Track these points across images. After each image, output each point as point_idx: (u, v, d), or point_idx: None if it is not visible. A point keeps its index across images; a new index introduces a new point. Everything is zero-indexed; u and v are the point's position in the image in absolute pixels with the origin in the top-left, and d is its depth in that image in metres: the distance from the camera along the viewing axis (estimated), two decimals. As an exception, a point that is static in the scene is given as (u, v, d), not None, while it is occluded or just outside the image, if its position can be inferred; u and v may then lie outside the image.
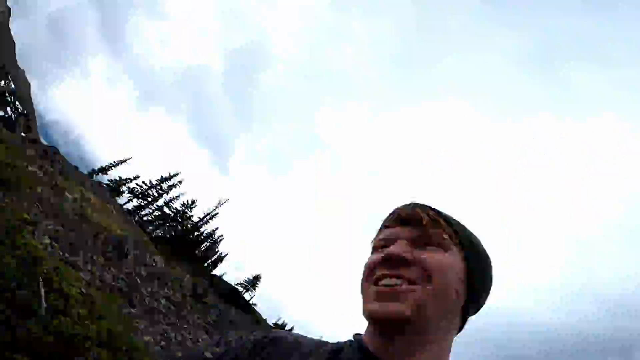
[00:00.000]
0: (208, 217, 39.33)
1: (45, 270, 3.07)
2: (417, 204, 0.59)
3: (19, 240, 3.33)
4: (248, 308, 24.91)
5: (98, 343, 2.55)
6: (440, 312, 0.52)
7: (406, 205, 0.59)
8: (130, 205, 33.18)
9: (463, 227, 0.59)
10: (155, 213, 35.30)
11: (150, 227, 32.86)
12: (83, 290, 3.36)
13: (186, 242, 32.77)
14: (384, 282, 0.52)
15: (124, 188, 34.09)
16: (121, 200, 31.94)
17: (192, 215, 36.43)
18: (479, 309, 0.60)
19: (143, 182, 35.52)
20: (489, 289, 0.60)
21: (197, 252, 38.74)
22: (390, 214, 0.59)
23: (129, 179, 34.73)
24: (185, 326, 5.23)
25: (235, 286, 30.17)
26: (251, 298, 32.42)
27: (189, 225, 35.71)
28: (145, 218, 34.26)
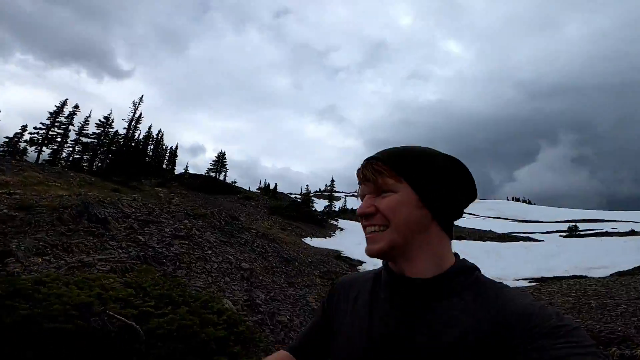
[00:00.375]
0: (134, 124, 36.29)
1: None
2: (368, 159, 0.69)
3: None
4: (229, 188, 26.29)
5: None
6: (409, 235, 0.65)
7: (362, 164, 0.70)
8: (45, 157, 29.52)
9: (408, 162, 0.66)
10: (78, 148, 32.00)
11: (86, 165, 30.42)
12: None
13: (132, 157, 31.14)
14: (366, 230, 0.68)
15: (22, 144, 29.39)
16: (31, 157, 28.15)
17: (118, 131, 33.35)
18: (460, 211, 0.70)
19: (36, 127, 30.45)
20: (457, 194, 0.67)
21: (147, 159, 37.59)
22: (358, 177, 0.71)
23: (19, 133, 29.54)
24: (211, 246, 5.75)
25: (208, 175, 30.78)
26: (225, 178, 33.57)
27: (129, 142, 33.17)
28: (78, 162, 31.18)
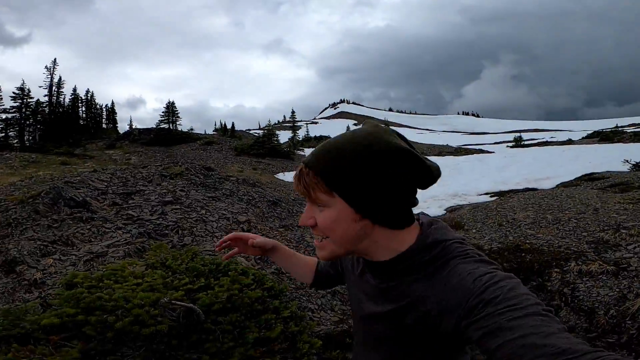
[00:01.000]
0: (55, 89, 32.01)
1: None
2: (300, 171, 0.64)
3: None
4: (186, 136, 24.72)
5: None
6: (351, 243, 0.64)
7: (297, 170, 0.66)
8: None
9: (340, 173, 0.59)
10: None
11: (17, 142, 27.05)
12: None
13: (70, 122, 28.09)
14: (314, 239, 0.69)
15: None
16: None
17: (39, 100, 29.29)
18: (412, 201, 0.64)
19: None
20: (403, 190, 0.61)
21: (82, 122, 34.25)
22: None
23: None
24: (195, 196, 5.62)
25: (160, 127, 28.63)
26: (177, 126, 31.48)
27: (55, 108, 29.41)
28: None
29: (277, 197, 7.76)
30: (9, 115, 28.70)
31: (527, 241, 4.77)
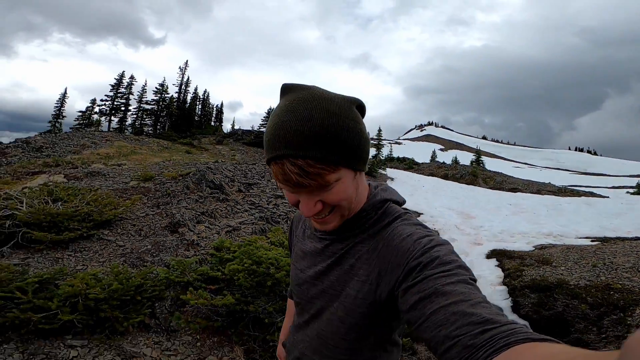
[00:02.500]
0: (184, 87, 37.98)
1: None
2: (289, 159, 0.57)
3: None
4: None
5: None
6: (353, 203, 0.67)
7: (284, 173, 0.58)
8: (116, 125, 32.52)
9: (340, 149, 0.58)
10: (140, 115, 34.67)
11: (151, 130, 33.14)
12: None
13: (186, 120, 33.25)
14: (314, 219, 0.68)
15: (95, 117, 32.45)
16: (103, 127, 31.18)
17: (172, 97, 35.41)
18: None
19: (102, 99, 33.21)
20: (367, 137, 0.65)
21: (197, 118, 39.73)
22: (279, 179, 0.61)
23: (90, 106, 32.56)
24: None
25: (261, 130, 31.97)
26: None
27: (182, 104, 35.38)
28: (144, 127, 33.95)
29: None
30: (149, 107, 35.13)
31: (620, 282, 4.53)
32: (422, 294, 0.52)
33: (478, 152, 34.94)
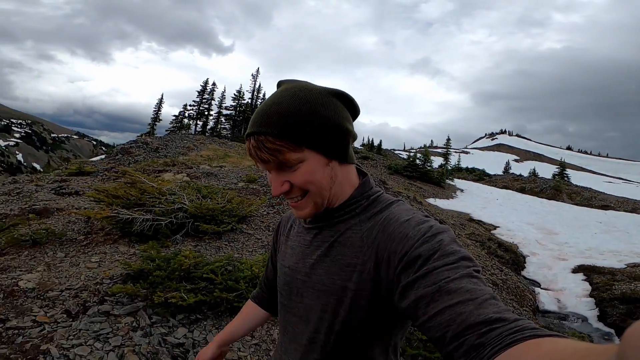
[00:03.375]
0: (256, 94, 40.96)
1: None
2: (252, 136, 0.62)
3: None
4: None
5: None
6: (327, 189, 0.66)
7: (248, 149, 0.63)
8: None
9: (303, 128, 0.60)
10: (221, 119, 38.38)
11: (229, 133, 36.56)
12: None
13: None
14: (290, 202, 0.69)
15: (185, 121, 36.73)
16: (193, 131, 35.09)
17: (248, 102, 38.61)
18: (353, 134, 0.68)
19: (190, 105, 37.49)
20: (348, 126, 0.66)
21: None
22: (249, 155, 0.65)
23: (182, 111, 37.01)
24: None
25: None
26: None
27: (253, 110, 38.59)
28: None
29: (441, 218, 8.70)
30: (228, 112, 38.76)
31: None
32: (425, 291, 0.51)
33: (562, 165, 31.90)
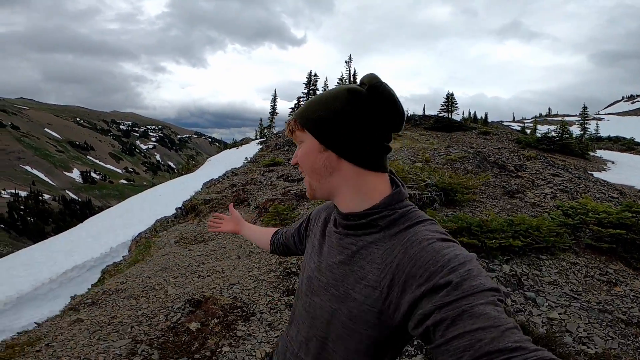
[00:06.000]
0: (352, 80, 41.85)
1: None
2: (289, 120, 0.75)
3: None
4: (460, 125, 27.51)
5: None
6: (320, 178, 0.71)
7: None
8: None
9: (308, 113, 0.70)
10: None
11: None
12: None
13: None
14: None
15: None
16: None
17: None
18: (379, 145, 0.68)
19: (299, 97, 40.60)
20: (363, 129, 0.65)
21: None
22: None
23: (297, 104, 40.45)
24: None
25: (440, 115, 32.78)
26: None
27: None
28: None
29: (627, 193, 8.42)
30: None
31: None
32: (446, 315, 0.50)
33: None
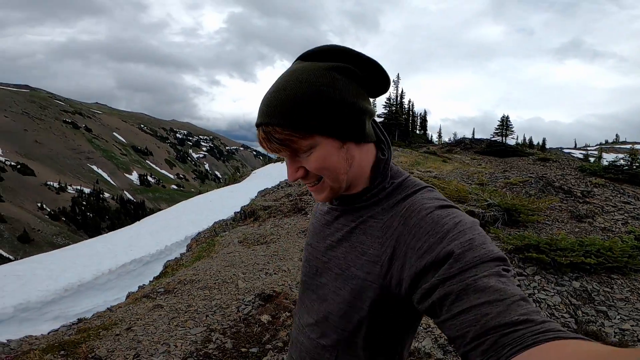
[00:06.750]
0: (399, 99, 41.71)
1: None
2: (261, 126, 0.60)
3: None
4: (515, 150, 26.15)
5: None
6: (345, 172, 0.63)
7: (259, 140, 0.62)
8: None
9: (311, 115, 0.57)
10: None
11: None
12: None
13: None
14: (308, 187, 0.67)
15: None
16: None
17: (397, 109, 39.88)
18: (371, 110, 0.63)
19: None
20: (362, 102, 0.61)
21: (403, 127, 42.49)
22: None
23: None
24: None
25: (494, 139, 31.64)
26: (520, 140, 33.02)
27: (400, 115, 39.71)
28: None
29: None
30: (380, 119, 40.99)
31: None
32: (451, 289, 0.48)
33: None
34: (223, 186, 24.25)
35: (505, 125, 31.48)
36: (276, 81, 0.61)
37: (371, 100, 0.68)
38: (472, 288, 0.47)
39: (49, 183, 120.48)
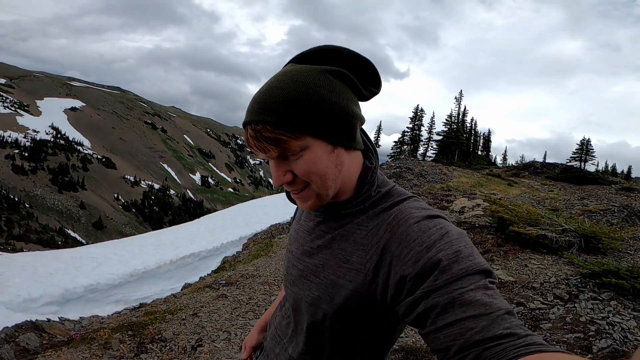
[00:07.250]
0: (461, 117, 39.74)
1: None
2: (249, 125, 0.57)
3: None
4: (594, 178, 23.54)
5: None
6: (333, 178, 0.60)
7: (247, 139, 0.59)
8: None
9: (304, 114, 0.56)
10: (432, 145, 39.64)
11: (444, 159, 37.39)
12: None
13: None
14: (292, 194, 0.63)
15: (405, 147, 40.11)
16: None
17: (458, 127, 38.19)
18: (360, 116, 0.62)
19: (405, 131, 40.64)
20: (353, 107, 0.60)
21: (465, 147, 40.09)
22: (248, 145, 0.60)
23: (400, 138, 40.78)
24: None
25: (569, 164, 28.85)
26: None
27: (461, 134, 37.92)
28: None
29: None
30: (439, 137, 39.57)
31: None
32: (436, 301, 0.48)
33: None
34: (276, 193, 25.19)
35: (585, 149, 28.19)
36: (269, 81, 0.59)
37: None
38: (458, 302, 0.47)
39: (126, 177, 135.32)
